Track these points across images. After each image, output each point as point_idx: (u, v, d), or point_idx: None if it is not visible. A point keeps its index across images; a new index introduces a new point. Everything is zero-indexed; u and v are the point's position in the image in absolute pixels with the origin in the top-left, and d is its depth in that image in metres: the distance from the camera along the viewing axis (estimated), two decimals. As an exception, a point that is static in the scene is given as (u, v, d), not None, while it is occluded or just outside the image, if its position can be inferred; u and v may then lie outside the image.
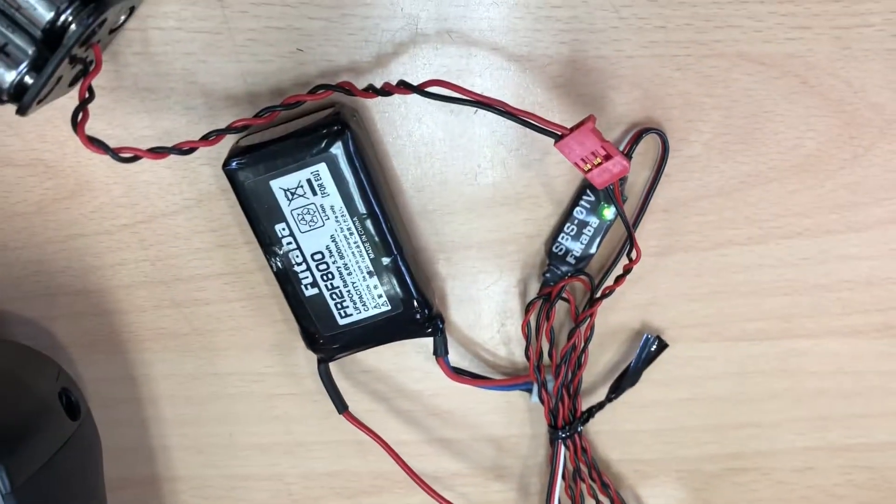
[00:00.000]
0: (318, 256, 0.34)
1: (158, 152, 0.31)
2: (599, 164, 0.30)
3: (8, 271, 0.38)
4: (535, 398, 0.39)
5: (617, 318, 0.39)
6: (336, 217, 0.34)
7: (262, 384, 0.41)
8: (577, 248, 0.36)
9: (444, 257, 0.38)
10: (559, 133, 0.30)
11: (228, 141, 0.33)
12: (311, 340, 0.36)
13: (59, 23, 0.29)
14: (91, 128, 0.30)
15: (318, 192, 0.33)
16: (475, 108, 0.34)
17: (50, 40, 0.29)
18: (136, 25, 0.33)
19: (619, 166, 0.30)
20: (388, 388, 0.41)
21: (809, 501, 0.43)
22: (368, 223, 0.34)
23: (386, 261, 0.34)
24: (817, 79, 0.34)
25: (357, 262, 0.34)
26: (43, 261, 0.38)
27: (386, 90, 0.31)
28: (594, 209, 0.36)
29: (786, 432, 0.41)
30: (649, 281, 0.38)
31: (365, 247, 0.34)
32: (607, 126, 0.35)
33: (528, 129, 0.32)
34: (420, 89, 0.30)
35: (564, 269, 0.37)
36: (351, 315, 0.35)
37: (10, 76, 0.29)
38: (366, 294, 0.35)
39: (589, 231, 0.36)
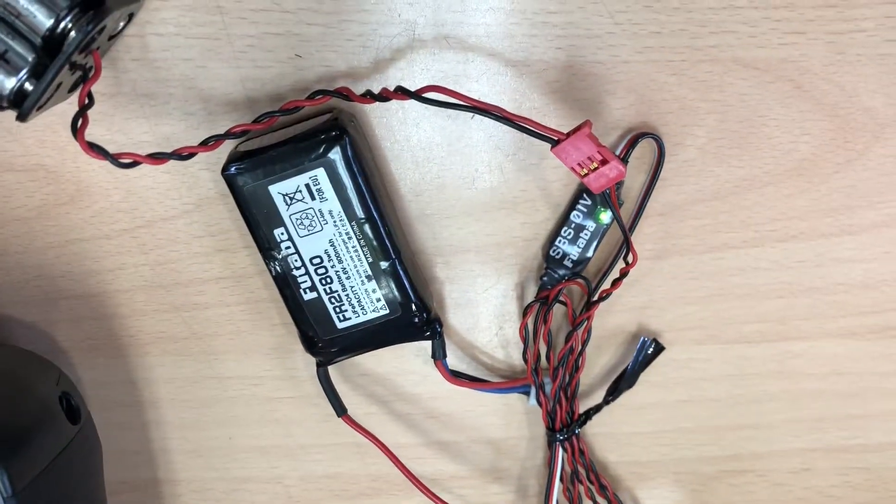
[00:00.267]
0: (316, 261, 0.34)
1: (158, 158, 0.31)
2: (596, 168, 0.30)
3: (8, 276, 0.38)
4: (532, 401, 0.39)
5: (614, 320, 0.39)
6: (334, 221, 0.34)
7: (261, 387, 0.41)
8: (573, 251, 0.37)
9: (442, 261, 0.38)
10: (556, 138, 0.30)
11: (227, 146, 0.34)
12: (309, 344, 0.37)
13: (59, 30, 0.29)
14: (90, 133, 0.30)
15: (317, 196, 0.33)
16: (472, 114, 0.34)
17: (50, 47, 0.29)
18: (135, 32, 0.34)
19: (616, 171, 0.30)
20: (386, 391, 0.41)
21: (806, 502, 0.43)
22: (367, 227, 0.34)
23: (384, 265, 0.35)
24: (811, 83, 0.34)
25: (355, 267, 0.35)
26: (43, 265, 0.38)
27: (384, 96, 0.32)
28: (591, 213, 0.36)
29: (782, 434, 0.41)
30: (646, 284, 0.38)
31: (363, 251, 0.34)
32: (603, 131, 0.35)
33: (525, 134, 0.32)
34: (417, 95, 0.31)
35: (561, 272, 0.37)
36: (349, 319, 0.36)
37: (10, 83, 0.29)
38: (364, 298, 0.35)
39: (586, 235, 0.36)
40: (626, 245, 0.34)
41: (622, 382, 0.39)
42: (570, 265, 0.37)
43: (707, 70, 0.34)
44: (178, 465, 0.43)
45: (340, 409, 0.39)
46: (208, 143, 0.32)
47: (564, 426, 0.39)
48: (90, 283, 0.39)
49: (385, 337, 0.36)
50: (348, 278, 0.35)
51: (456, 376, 0.38)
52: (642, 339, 0.38)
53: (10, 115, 0.30)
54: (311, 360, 0.38)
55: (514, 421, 0.41)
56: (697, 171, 0.36)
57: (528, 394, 0.39)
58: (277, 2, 0.33)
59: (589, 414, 0.39)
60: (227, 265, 0.38)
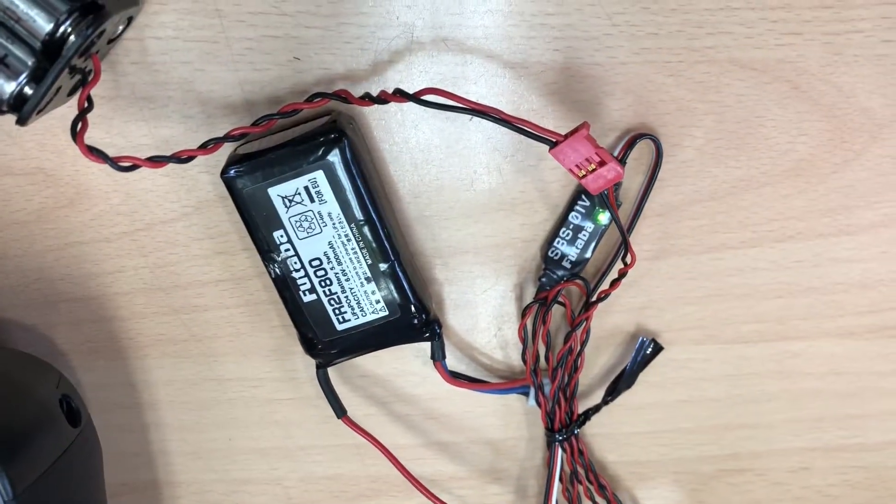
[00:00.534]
0: (315, 263, 0.35)
1: (157, 161, 0.32)
2: (594, 170, 0.31)
3: (7, 279, 0.38)
4: (531, 401, 0.39)
5: (612, 321, 0.39)
6: (334, 224, 0.34)
7: (260, 389, 0.41)
8: (572, 252, 0.37)
9: (441, 262, 0.38)
10: (554, 140, 0.30)
11: (226, 149, 0.34)
12: (309, 346, 0.37)
13: (59, 34, 0.29)
14: (90, 137, 0.30)
15: (316, 199, 0.33)
16: (470, 116, 0.34)
17: (49, 51, 0.29)
18: (134, 35, 0.34)
19: (614, 172, 0.30)
20: (385, 392, 0.41)
21: (805, 502, 0.43)
22: (366, 229, 0.34)
23: (383, 266, 0.35)
24: (808, 84, 0.35)
25: (355, 268, 0.35)
26: (42, 268, 0.38)
27: (382, 98, 0.32)
28: (589, 214, 0.36)
29: (781, 433, 0.42)
30: (644, 284, 0.38)
31: (362, 253, 0.34)
32: (601, 132, 0.35)
33: (523, 136, 0.32)
34: (416, 97, 0.31)
35: (560, 273, 0.37)
36: (349, 320, 0.36)
37: (9, 87, 0.30)
38: (363, 299, 0.35)
39: (584, 236, 0.36)
40: (625, 246, 0.34)
41: (621, 383, 0.39)
42: (568, 266, 0.37)
43: (704, 71, 0.34)
44: (177, 467, 0.43)
45: (340, 411, 0.39)
46: (207, 147, 0.32)
47: (563, 426, 0.39)
48: (90, 285, 0.39)
49: (384, 338, 0.37)
50: (347, 280, 0.35)
51: (455, 377, 0.39)
52: (641, 339, 0.38)
53: (10, 118, 0.30)
54: (311, 362, 0.38)
55: (513, 421, 0.42)
56: (695, 172, 0.36)
57: (527, 394, 0.39)
58: (276, 5, 0.33)
59: (588, 414, 0.39)
60: (226, 267, 0.38)
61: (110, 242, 0.38)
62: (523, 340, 0.38)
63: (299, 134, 0.33)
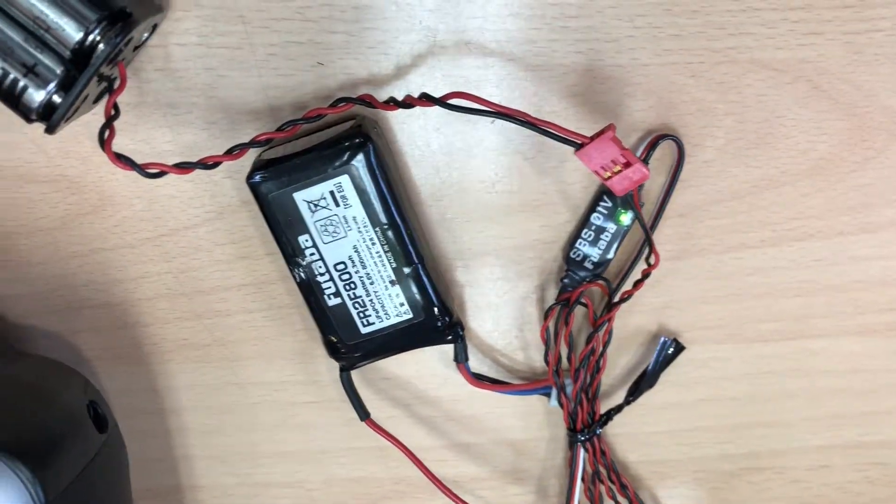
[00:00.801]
0: (340, 266, 0.35)
1: (184, 167, 0.32)
2: (619, 171, 0.31)
3: (31, 286, 0.39)
4: (553, 402, 0.39)
5: (634, 321, 0.39)
6: (358, 227, 0.34)
7: (283, 393, 0.41)
8: (594, 253, 0.37)
9: (463, 264, 0.38)
10: (579, 142, 0.30)
11: (250, 154, 0.34)
12: (333, 349, 0.37)
13: (88, 42, 0.29)
14: (114, 143, 0.31)
15: (341, 203, 0.34)
16: (494, 119, 0.35)
17: (78, 59, 0.29)
18: (158, 42, 0.34)
19: (640, 174, 0.30)
20: (408, 394, 0.41)
21: (824, 499, 0.43)
22: (390, 233, 0.34)
23: (407, 269, 0.35)
24: (829, 83, 0.35)
25: (379, 272, 0.35)
26: (66, 275, 0.38)
27: (408, 103, 0.32)
28: (611, 215, 0.36)
29: (801, 431, 0.42)
30: (665, 284, 0.38)
31: (387, 256, 0.35)
32: (623, 133, 0.36)
33: (544, 138, 0.32)
34: (442, 101, 0.31)
35: (582, 274, 0.37)
36: (373, 323, 0.36)
37: (39, 96, 0.30)
38: (388, 302, 0.35)
39: (606, 236, 0.37)
40: (649, 246, 0.34)
41: (643, 383, 0.39)
42: (590, 267, 0.37)
43: (725, 71, 0.35)
44: (200, 471, 0.43)
45: (364, 414, 0.39)
46: (233, 152, 0.32)
47: (586, 427, 0.39)
48: (113, 292, 0.39)
49: (408, 341, 0.37)
50: (372, 283, 0.35)
51: (478, 379, 0.39)
52: (662, 339, 0.39)
53: (34, 126, 0.31)
54: (333, 365, 0.38)
55: (534, 422, 0.42)
56: (716, 172, 0.36)
57: (548, 395, 0.40)
58: (300, 11, 0.33)
59: (610, 414, 0.39)
60: (249, 272, 0.38)
61: (134, 248, 0.38)
62: (546, 342, 0.38)
63: (324, 139, 0.34)
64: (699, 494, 0.43)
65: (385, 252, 0.34)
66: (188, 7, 0.33)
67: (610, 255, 0.37)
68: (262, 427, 0.42)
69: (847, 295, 0.39)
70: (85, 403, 0.35)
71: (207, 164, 0.32)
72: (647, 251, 0.36)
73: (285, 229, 0.34)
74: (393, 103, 0.33)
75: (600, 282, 0.37)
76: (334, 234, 0.34)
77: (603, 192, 0.36)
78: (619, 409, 0.40)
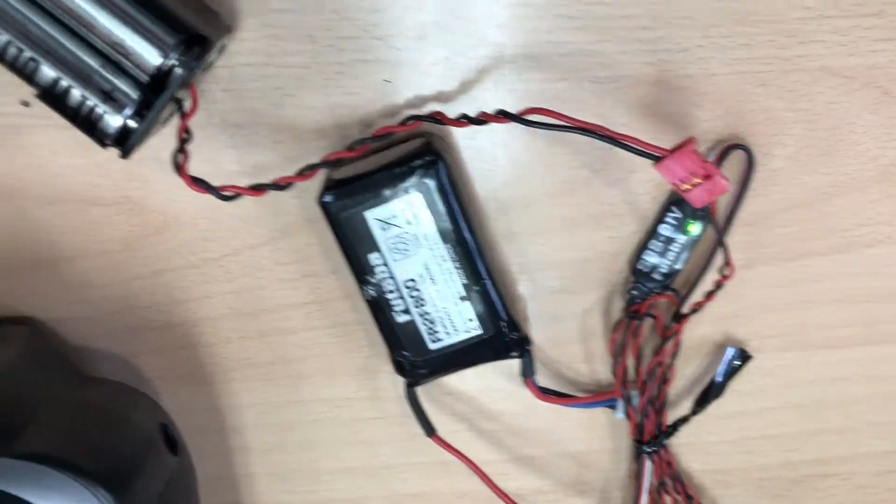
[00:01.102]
0: (410, 284, 0.35)
1: (258, 189, 0.32)
2: (699, 184, 0.30)
3: (95, 309, 0.38)
4: (620, 414, 0.39)
5: (699, 331, 0.39)
6: (429, 245, 0.34)
7: (346, 409, 0.41)
8: (663, 264, 0.37)
9: (527, 278, 0.38)
10: (659, 155, 0.30)
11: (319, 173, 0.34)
12: (401, 366, 0.37)
13: (165, 67, 0.29)
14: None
15: (413, 221, 0.33)
16: (544, 129, 0.34)
17: (154, 84, 0.29)
18: (225, 62, 0.34)
19: (720, 187, 0.30)
20: (469, 408, 0.41)
21: (889, 504, 0.43)
22: (461, 249, 0.34)
23: (477, 285, 0.35)
24: (899, 89, 0.35)
25: (449, 288, 0.35)
26: (129, 297, 0.38)
27: (482, 119, 0.32)
28: (680, 225, 0.36)
29: (867, 436, 0.41)
30: (733, 293, 0.38)
31: (457, 272, 0.34)
32: (691, 143, 0.35)
33: (613, 150, 0.32)
34: (520, 118, 0.31)
35: (651, 285, 0.37)
36: (442, 340, 0.36)
37: (116, 121, 0.30)
38: (457, 318, 0.35)
39: (675, 247, 0.36)
40: (725, 257, 0.34)
41: (710, 393, 0.39)
42: (659, 278, 0.37)
43: (795, 80, 0.34)
44: (261, 489, 0.43)
45: (430, 430, 0.39)
46: (305, 173, 0.32)
47: (652, 438, 0.39)
48: (176, 312, 0.39)
49: (475, 357, 0.37)
50: (442, 300, 0.35)
51: (545, 393, 0.38)
52: (730, 349, 0.38)
53: (98, 149, 0.30)
54: (397, 381, 0.38)
55: (596, 434, 0.41)
56: (785, 180, 0.36)
57: (613, 407, 0.39)
58: (367, 29, 0.33)
59: (677, 425, 0.39)
60: (312, 290, 0.38)
61: (197, 269, 0.38)
62: (614, 354, 0.38)
63: (395, 157, 0.33)
64: (763, 502, 0.43)
65: (456, 268, 0.34)
66: (256, 27, 0.33)
67: (678, 266, 0.37)
68: (323, 444, 0.42)
69: (915, 300, 0.39)
70: (157, 426, 0.35)
71: (280, 185, 0.32)
72: (716, 261, 0.36)
73: (356, 248, 0.34)
74: (465, 120, 0.32)
75: (669, 293, 0.37)
76: (405, 252, 0.34)
77: (671, 203, 0.36)
78: (685, 420, 0.39)
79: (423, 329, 0.35)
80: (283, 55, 0.34)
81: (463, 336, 0.36)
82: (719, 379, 0.39)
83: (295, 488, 0.43)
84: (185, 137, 0.31)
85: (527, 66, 0.34)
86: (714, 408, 0.39)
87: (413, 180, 0.33)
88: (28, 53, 0.29)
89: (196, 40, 0.29)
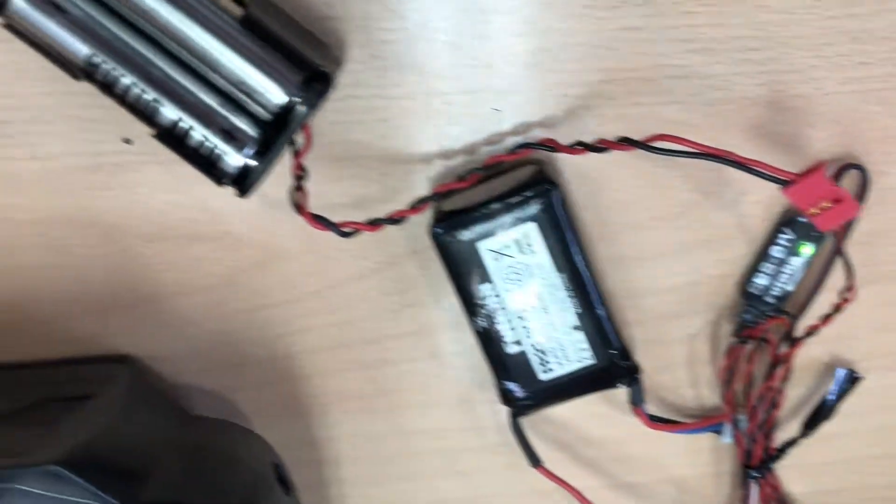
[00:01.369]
0: (523, 314, 0.34)
1: (375, 224, 0.31)
2: (828, 207, 0.30)
3: (195, 345, 0.38)
4: (727, 438, 0.38)
5: (806, 351, 0.38)
6: (543, 274, 0.33)
7: (444, 440, 0.40)
8: (775, 286, 0.36)
9: (632, 304, 0.37)
10: (787, 179, 0.30)
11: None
12: (508, 397, 0.36)
13: (290, 105, 0.29)
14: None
15: (527, 251, 0.33)
16: (671, 155, 0.34)
17: (276, 122, 0.29)
18: (333, 95, 0.33)
19: (851, 211, 0.30)
20: (570, 436, 0.40)
21: None
22: (575, 278, 0.34)
23: (590, 314, 0.34)
24: None
25: (563, 317, 0.34)
26: (229, 332, 0.38)
27: (602, 146, 0.31)
28: (793, 247, 0.35)
29: (977, 456, 0.41)
30: (844, 314, 0.37)
31: (571, 301, 0.34)
32: (803, 163, 0.34)
33: (725, 172, 0.31)
34: (646, 144, 0.30)
35: (763, 308, 0.36)
36: (553, 370, 0.35)
37: (236, 161, 0.29)
38: (570, 348, 0.35)
39: (788, 270, 0.36)
40: (848, 279, 0.33)
41: (820, 415, 0.38)
42: (771, 301, 0.36)
43: (913, 97, 0.34)
44: (358, 521, 0.42)
45: (535, 460, 0.38)
46: (417, 206, 0.32)
47: (760, 462, 0.38)
48: (275, 346, 0.38)
49: (585, 386, 0.36)
50: (554, 330, 0.34)
51: (655, 421, 0.38)
52: (840, 370, 0.38)
53: (199, 185, 0.30)
54: (498, 410, 0.37)
55: (700, 459, 0.41)
56: (899, 199, 0.35)
57: (718, 431, 0.39)
58: (475, 57, 0.33)
59: (784, 449, 0.38)
60: (413, 320, 0.38)
61: (299, 302, 0.37)
62: (725, 381, 0.37)
63: (506, 186, 0.33)
64: (867, 525, 0.42)
65: (569, 297, 0.34)
66: (364, 59, 0.33)
67: (790, 288, 0.36)
68: (421, 475, 0.41)
69: None
70: (270, 466, 0.34)
71: (395, 219, 0.32)
72: (829, 281, 0.35)
73: (467, 278, 0.34)
74: (581, 147, 0.32)
75: (782, 316, 0.36)
76: (518, 282, 0.34)
77: (783, 224, 0.36)
78: (793, 442, 0.38)
79: (533, 359, 0.35)
80: (390, 87, 0.33)
81: (575, 366, 0.35)
82: (831, 399, 0.38)
83: (392, 520, 0.42)
84: (300, 174, 0.31)
85: (637, 91, 0.34)
86: (819, 429, 0.39)
87: (528, 209, 0.32)
88: (151, 95, 0.28)
89: (318, 77, 0.29)
